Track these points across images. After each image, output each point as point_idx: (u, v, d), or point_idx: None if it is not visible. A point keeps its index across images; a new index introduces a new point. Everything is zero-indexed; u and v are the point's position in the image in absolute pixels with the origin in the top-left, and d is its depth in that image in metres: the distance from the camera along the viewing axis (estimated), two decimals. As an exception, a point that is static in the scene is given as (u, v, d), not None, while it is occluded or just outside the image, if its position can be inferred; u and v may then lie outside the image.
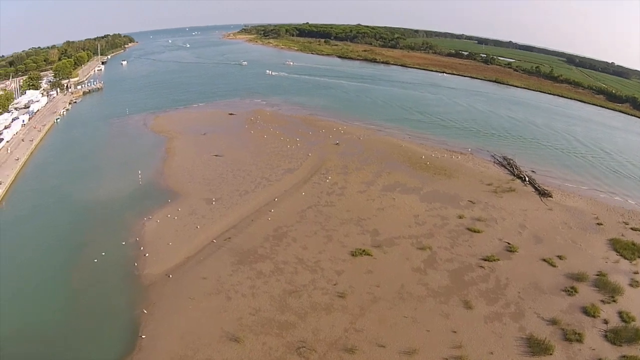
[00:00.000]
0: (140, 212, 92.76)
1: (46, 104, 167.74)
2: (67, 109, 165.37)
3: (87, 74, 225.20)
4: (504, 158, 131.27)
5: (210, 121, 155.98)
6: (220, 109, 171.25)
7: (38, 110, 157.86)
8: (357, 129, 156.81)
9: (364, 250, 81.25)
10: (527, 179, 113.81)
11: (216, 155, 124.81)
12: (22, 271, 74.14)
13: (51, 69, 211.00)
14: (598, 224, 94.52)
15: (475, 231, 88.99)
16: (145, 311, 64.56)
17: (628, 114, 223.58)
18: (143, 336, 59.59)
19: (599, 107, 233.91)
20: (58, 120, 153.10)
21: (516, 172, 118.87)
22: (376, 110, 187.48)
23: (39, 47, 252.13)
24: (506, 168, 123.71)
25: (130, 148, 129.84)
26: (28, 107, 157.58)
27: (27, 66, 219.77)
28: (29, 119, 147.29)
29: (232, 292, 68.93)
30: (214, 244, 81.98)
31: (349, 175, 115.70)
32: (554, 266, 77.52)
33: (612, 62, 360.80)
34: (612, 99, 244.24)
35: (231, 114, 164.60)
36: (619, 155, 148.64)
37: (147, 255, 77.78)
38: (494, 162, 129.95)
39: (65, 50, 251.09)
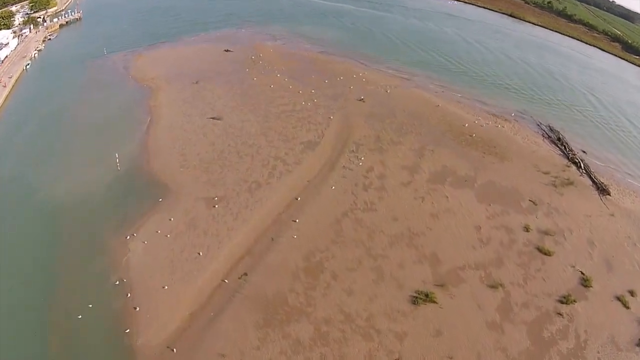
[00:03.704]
0: (120, 221, 69.76)
1: (16, 46, 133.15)
2: (39, 50, 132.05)
3: (68, 1, 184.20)
4: (551, 129, 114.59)
5: (202, 62, 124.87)
6: (213, 44, 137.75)
7: (6, 56, 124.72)
8: (379, 75, 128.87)
9: (427, 295, 62.48)
10: (582, 165, 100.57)
11: (213, 119, 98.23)
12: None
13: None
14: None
15: (546, 253, 74.08)
16: None
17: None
18: None
19: (618, 58, 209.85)
20: (28, 66, 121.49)
21: (570, 154, 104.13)
22: (395, 48, 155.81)
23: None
24: (557, 146, 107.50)
25: (105, 109, 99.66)
26: None
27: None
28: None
29: (263, 385, 49.29)
30: (225, 286, 60.98)
31: (385, 153, 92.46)
32: (628, 307, 67.39)
33: (613, 1, 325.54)
34: (628, 49, 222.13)
35: (227, 51, 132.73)
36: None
37: (137, 309, 56.54)
38: (542, 135, 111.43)
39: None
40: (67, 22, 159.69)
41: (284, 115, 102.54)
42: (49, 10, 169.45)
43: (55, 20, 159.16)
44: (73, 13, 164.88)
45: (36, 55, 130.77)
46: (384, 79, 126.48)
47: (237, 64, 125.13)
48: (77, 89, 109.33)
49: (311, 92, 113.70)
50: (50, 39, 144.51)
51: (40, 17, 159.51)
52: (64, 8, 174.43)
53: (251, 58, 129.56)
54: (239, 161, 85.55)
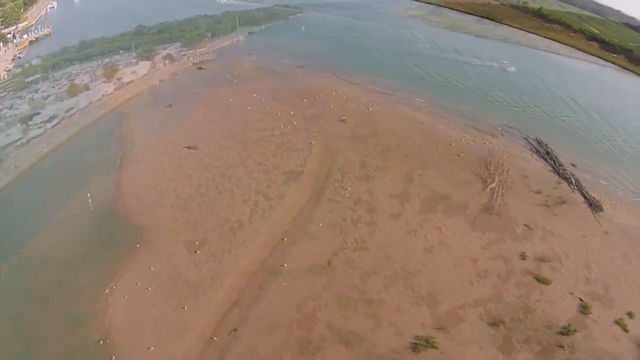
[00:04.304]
0: (98, 271, 64.63)
1: None
2: (8, 70, 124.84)
3: (38, 15, 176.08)
4: (539, 142, 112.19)
5: (175, 82, 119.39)
6: (187, 60, 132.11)
7: None
8: (359, 91, 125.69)
9: (427, 341, 59.39)
10: (572, 180, 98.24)
11: (188, 148, 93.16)
12: None
13: None
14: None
15: (544, 282, 71.38)
16: None
17: (626, 69, 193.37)
18: None
19: (597, 58, 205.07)
20: None
21: (560, 169, 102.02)
22: (371, 59, 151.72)
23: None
24: (546, 160, 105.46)
25: (74, 137, 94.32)
26: None
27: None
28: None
29: None
30: (215, 344, 56.74)
31: (371, 181, 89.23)
32: (627, 331, 65.06)
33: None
34: (606, 48, 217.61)
35: (201, 69, 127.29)
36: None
37: (120, 378, 51.60)
38: (531, 149, 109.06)
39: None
40: (36, 39, 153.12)
41: (263, 141, 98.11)
42: (19, 25, 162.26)
43: (25, 36, 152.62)
44: (43, 29, 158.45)
45: (5, 75, 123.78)
46: (364, 94, 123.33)
47: (212, 83, 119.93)
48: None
49: (290, 113, 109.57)
50: (19, 57, 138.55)
51: (10, 34, 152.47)
52: (34, 23, 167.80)
53: (225, 76, 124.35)
54: (218, 197, 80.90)
